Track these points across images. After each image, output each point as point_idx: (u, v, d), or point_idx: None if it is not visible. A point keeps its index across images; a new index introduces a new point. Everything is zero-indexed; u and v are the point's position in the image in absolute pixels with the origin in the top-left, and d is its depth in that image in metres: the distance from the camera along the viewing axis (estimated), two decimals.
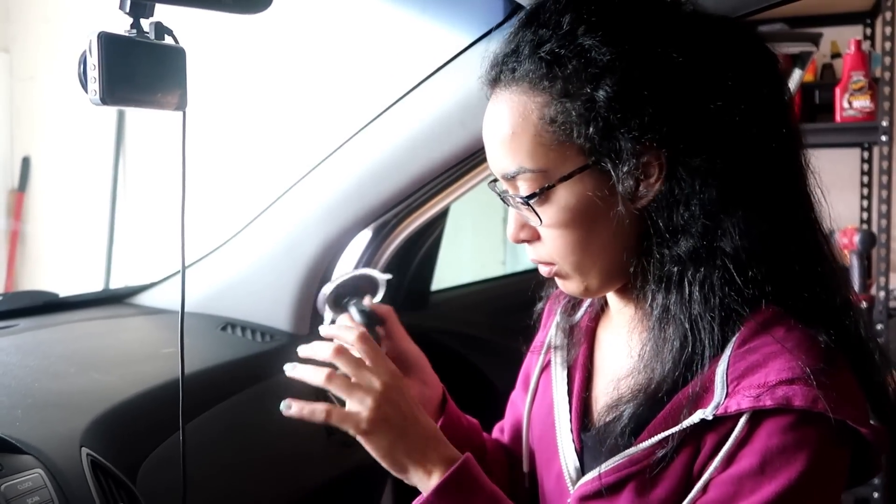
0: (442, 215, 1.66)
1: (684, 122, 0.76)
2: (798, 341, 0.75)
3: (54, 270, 3.70)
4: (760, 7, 1.03)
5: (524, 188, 0.80)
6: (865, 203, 3.00)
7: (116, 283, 3.57)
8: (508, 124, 0.80)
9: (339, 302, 0.91)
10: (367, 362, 0.83)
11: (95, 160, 3.58)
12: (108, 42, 0.72)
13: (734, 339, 0.77)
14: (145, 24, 0.77)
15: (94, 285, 3.54)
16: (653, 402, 0.79)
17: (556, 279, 0.87)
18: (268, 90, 3.12)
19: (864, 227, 2.91)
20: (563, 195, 0.79)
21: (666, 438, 0.76)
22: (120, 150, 3.57)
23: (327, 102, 2.95)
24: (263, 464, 1.20)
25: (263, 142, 3.01)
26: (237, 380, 1.25)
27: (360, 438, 0.79)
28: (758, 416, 0.73)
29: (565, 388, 0.94)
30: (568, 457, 0.89)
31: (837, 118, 2.61)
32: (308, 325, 1.48)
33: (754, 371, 0.74)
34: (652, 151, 0.77)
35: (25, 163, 3.72)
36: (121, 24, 0.76)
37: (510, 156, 0.81)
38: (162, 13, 0.78)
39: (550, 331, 1.00)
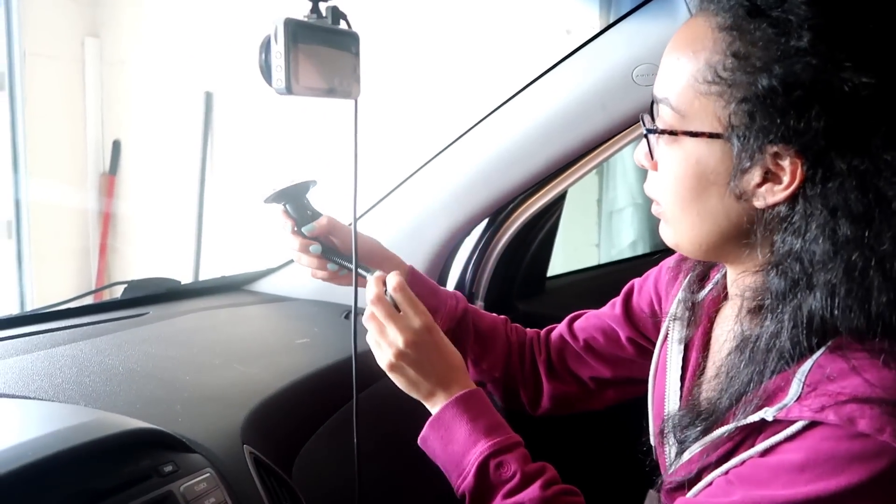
0: (560, 199, 1.61)
1: (846, 159, 0.67)
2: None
3: (144, 252, 3.76)
4: None
5: (660, 119, 0.78)
6: None
7: (205, 268, 3.62)
8: (679, 53, 0.75)
9: (277, 200, 1.08)
10: (394, 321, 0.95)
11: (184, 143, 3.62)
12: (294, 28, 0.68)
13: (830, 342, 0.70)
14: (323, 8, 0.73)
15: (183, 269, 3.59)
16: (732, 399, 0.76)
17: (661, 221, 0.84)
18: (395, 72, 3.05)
19: None
20: (685, 148, 0.75)
21: (729, 433, 0.74)
22: (208, 133, 3.59)
23: (459, 83, 2.88)
24: (402, 458, 1.17)
25: (388, 126, 2.97)
26: (369, 371, 1.22)
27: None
28: (816, 425, 0.67)
29: (679, 367, 0.93)
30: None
31: None
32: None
33: (834, 380, 0.68)
34: (792, 161, 0.69)
35: (116, 146, 3.79)
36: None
37: (666, 79, 0.77)
38: None
39: (672, 305, 0.97)
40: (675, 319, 0.96)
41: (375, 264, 1.08)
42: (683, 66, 0.74)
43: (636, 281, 1.13)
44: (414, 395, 0.97)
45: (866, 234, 0.67)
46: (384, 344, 0.96)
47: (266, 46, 0.70)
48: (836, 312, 0.68)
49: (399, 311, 0.96)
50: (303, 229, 1.08)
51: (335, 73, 0.73)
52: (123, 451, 0.74)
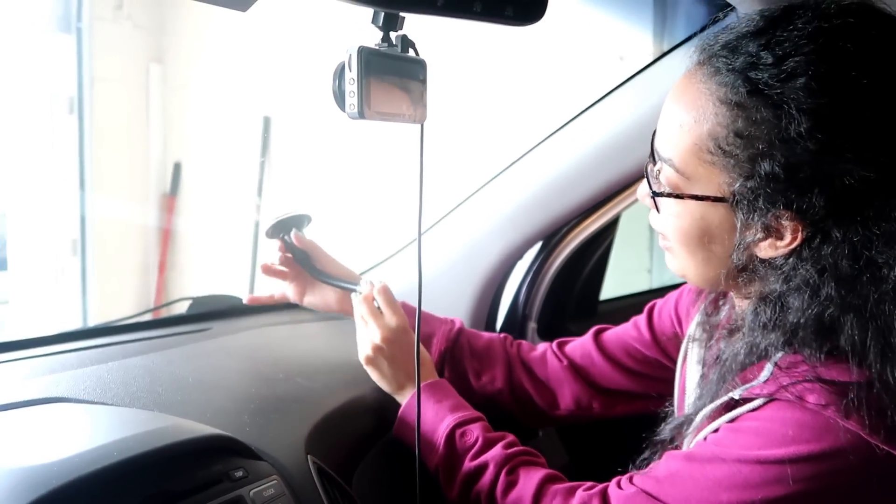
0: (612, 224, 1.62)
1: (842, 229, 0.72)
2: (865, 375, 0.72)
3: (202, 270, 3.86)
4: None
5: (663, 175, 0.82)
6: None
7: (260, 285, 3.69)
8: (682, 116, 0.78)
9: (275, 234, 1.23)
10: (374, 319, 1.09)
11: (242, 166, 3.71)
12: (367, 56, 0.72)
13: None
14: (393, 36, 0.77)
15: (239, 286, 3.67)
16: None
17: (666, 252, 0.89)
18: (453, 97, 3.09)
19: None
20: (690, 207, 0.79)
21: (707, 413, 0.82)
22: (265, 157, 3.69)
23: (515, 109, 2.91)
24: None
25: (446, 147, 3.00)
26: None
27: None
28: (774, 401, 0.75)
29: (697, 385, 0.97)
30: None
31: None
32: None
33: (792, 369, 0.75)
34: (793, 223, 0.74)
35: (177, 168, 3.90)
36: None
37: (669, 142, 0.80)
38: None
39: (691, 326, 1.02)
40: (693, 341, 1.01)
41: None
42: (686, 131, 0.78)
43: (657, 302, 1.19)
44: (385, 388, 1.09)
45: (848, 293, 0.72)
46: (365, 339, 1.08)
47: (339, 73, 0.74)
48: (791, 347, 0.76)
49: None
50: (284, 237, 1.23)
51: (404, 99, 0.77)
52: (197, 455, 0.77)
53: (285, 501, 0.80)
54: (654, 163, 0.84)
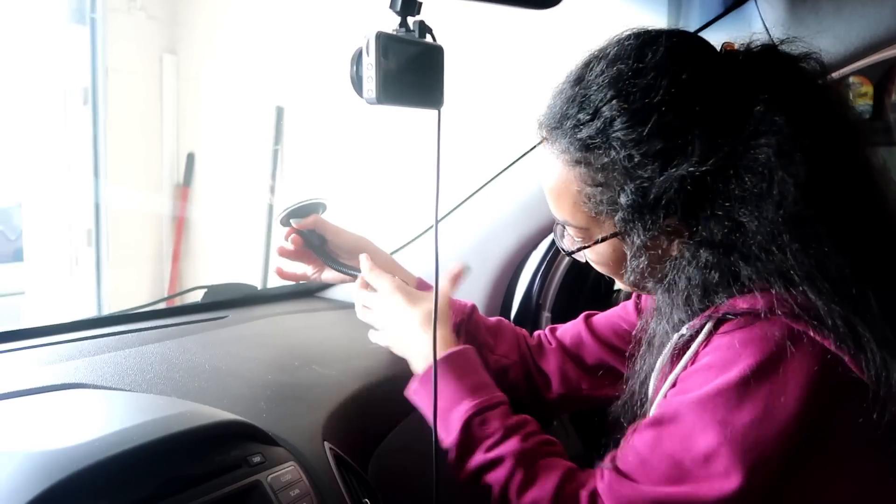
0: None
1: (707, 208, 0.82)
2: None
3: (215, 259, 3.87)
4: None
5: (568, 231, 0.95)
6: None
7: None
8: (553, 183, 0.91)
9: (289, 222, 1.25)
10: (371, 302, 1.12)
11: (255, 156, 3.72)
12: (385, 41, 0.72)
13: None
14: (411, 22, 0.77)
15: (252, 276, 3.68)
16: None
17: None
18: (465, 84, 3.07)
19: None
20: (600, 248, 0.92)
21: (665, 360, 0.88)
22: (278, 147, 3.69)
23: (533, 95, 2.89)
24: None
25: (461, 136, 2.99)
26: None
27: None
28: (720, 324, 0.81)
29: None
30: None
31: None
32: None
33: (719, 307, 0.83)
34: (677, 222, 0.85)
35: (190, 159, 3.91)
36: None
37: (556, 208, 0.94)
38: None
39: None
40: None
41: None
42: (563, 197, 0.91)
43: None
44: (405, 357, 1.07)
45: (727, 250, 0.81)
46: (370, 320, 1.13)
47: (357, 59, 0.74)
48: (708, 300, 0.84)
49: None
50: (291, 221, 1.25)
51: (421, 85, 0.77)
52: (216, 440, 0.77)
53: (302, 487, 0.80)
54: (557, 222, 0.97)
